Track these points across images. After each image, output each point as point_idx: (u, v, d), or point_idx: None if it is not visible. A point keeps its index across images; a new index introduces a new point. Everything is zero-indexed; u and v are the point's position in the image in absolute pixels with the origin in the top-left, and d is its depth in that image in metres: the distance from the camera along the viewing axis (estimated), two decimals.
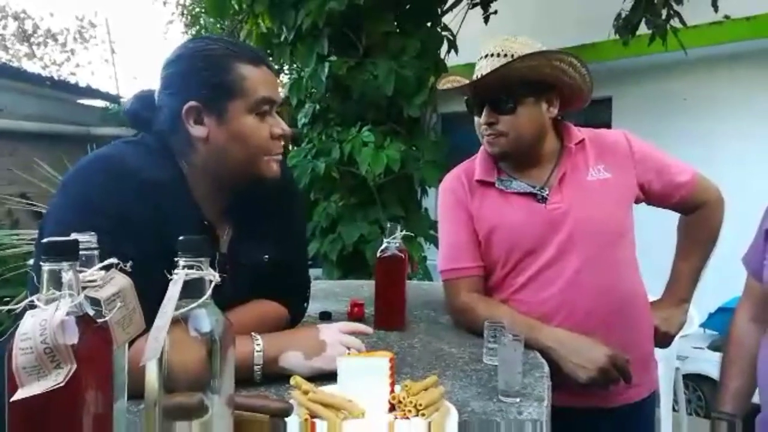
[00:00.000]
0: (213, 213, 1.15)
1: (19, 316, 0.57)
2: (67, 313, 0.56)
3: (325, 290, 1.97)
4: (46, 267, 0.58)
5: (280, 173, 1.16)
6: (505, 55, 1.39)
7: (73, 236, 0.65)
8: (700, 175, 1.54)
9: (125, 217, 0.97)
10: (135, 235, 0.95)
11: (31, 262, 1.09)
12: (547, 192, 1.45)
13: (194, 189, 1.12)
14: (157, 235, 0.95)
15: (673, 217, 1.63)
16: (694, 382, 3.87)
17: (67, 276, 0.58)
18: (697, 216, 1.57)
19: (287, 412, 0.81)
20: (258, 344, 1.05)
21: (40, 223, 1.08)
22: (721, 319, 3.74)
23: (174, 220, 1.03)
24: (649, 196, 1.51)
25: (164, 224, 1.00)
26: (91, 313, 0.60)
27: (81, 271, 0.62)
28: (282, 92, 4.33)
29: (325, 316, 1.56)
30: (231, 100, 1.08)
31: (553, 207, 1.43)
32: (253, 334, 1.07)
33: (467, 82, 1.45)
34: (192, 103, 1.07)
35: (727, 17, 3.89)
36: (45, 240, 0.59)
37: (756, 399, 1.25)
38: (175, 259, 0.67)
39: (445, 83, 1.52)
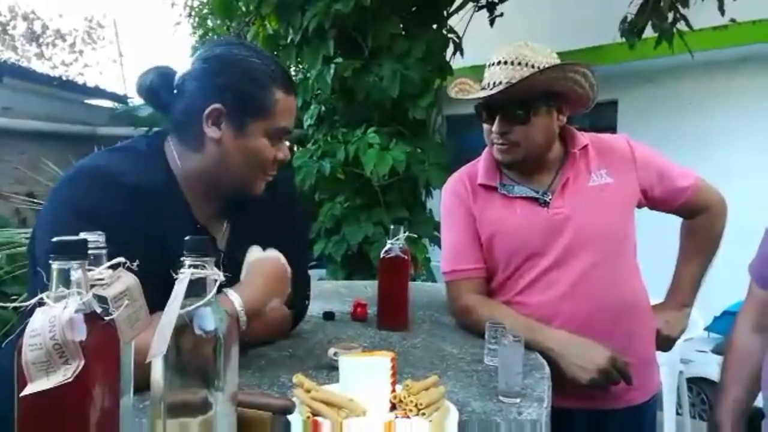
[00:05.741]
0: (206, 215, 1.16)
1: (27, 313, 0.59)
2: (76, 311, 0.57)
3: (330, 290, 1.98)
4: (55, 265, 0.59)
5: (279, 173, 1.18)
6: (519, 63, 1.37)
7: (82, 236, 0.66)
8: (702, 180, 1.55)
9: (114, 222, 0.94)
10: (126, 240, 0.94)
11: None
12: (549, 197, 1.46)
13: (187, 191, 1.13)
14: (148, 239, 0.96)
15: (676, 217, 1.62)
16: (698, 385, 3.87)
17: (75, 275, 0.59)
18: (700, 220, 1.57)
19: (289, 409, 0.82)
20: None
21: (32, 231, 1.09)
22: (725, 322, 3.72)
23: (166, 223, 1.04)
24: (651, 201, 1.52)
25: (155, 228, 1.01)
26: (99, 310, 0.61)
27: (89, 270, 0.63)
28: None
29: (329, 316, 1.57)
30: (256, 118, 1.10)
31: (555, 212, 1.44)
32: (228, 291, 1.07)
33: (479, 89, 1.44)
34: (217, 105, 1.08)
35: (733, 21, 3.88)
36: (55, 239, 0.60)
37: (758, 403, 1.26)
38: (174, 259, 0.68)
39: (454, 87, 1.50)
